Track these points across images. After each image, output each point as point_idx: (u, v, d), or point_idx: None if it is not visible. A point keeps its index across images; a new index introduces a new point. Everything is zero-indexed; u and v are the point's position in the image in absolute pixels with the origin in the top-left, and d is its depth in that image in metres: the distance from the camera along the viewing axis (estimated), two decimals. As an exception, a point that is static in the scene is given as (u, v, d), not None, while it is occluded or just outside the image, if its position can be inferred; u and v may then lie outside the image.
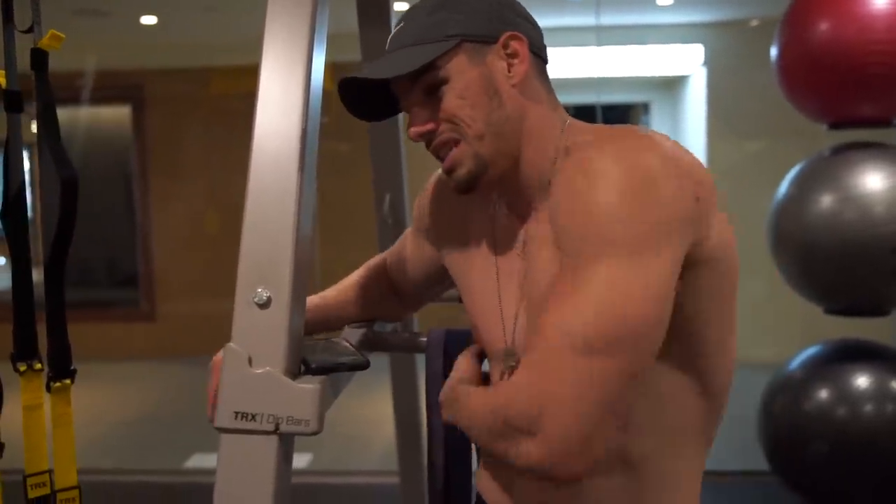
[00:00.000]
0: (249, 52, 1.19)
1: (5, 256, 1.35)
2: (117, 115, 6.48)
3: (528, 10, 1.05)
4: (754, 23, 5.28)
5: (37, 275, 1.35)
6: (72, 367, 1.36)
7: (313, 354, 1.00)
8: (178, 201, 6.14)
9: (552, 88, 1.05)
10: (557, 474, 0.86)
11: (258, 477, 0.92)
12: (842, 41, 2.57)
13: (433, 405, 1.41)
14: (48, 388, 1.34)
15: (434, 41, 0.98)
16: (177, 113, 6.13)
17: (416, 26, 1.00)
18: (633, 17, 5.32)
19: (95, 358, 4.50)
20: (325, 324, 1.32)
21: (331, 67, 1.10)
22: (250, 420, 0.92)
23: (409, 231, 1.33)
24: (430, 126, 1.01)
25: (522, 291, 1.03)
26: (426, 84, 0.99)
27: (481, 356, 1.14)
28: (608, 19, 4.92)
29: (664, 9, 5.17)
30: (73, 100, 5.68)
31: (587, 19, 4.75)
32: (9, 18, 1.32)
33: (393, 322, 1.48)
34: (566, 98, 1.18)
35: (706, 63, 5.42)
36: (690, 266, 0.90)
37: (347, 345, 1.08)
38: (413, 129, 1.02)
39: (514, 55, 0.99)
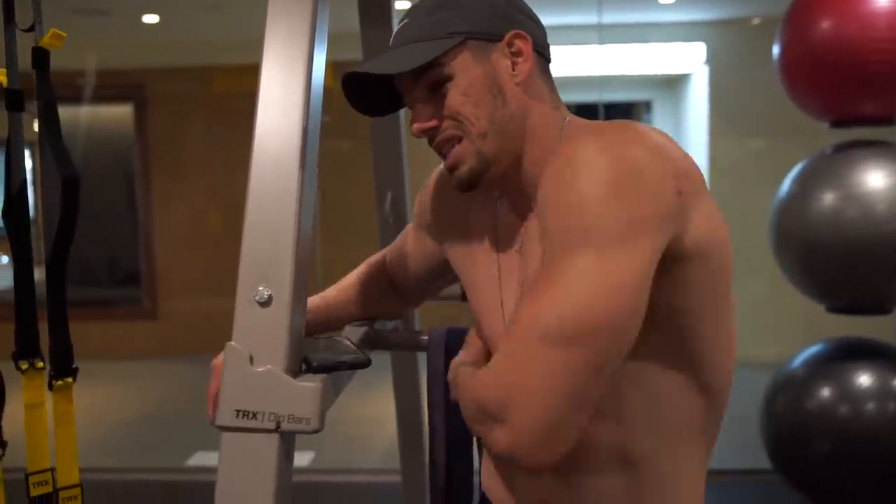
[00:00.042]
0: (251, 51, 1.18)
1: (7, 255, 1.35)
2: (119, 113, 6.48)
3: (532, 8, 1.05)
4: (756, 21, 5.28)
5: (38, 273, 1.35)
6: (74, 366, 1.36)
7: (314, 353, 1.00)
8: (180, 200, 6.14)
9: (555, 87, 1.05)
10: (525, 463, 0.87)
11: (259, 475, 0.92)
12: (844, 39, 2.56)
13: (434, 403, 1.41)
14: (50, 387, 1.35)
15: (439, 38, 0.98)
16: (178, 112, 6.14)
17: (420, 23, 1.00)
18: (636, 16, 5.32)
19: (97, 356, 4.52)
20: (327, 324, 1.32)
21: (332, 66, 1.10)
22: (251, 418, 0.92)
23: (410, 227, 1.33)
24: (433, 123, 1.01)
25: (522, 288, 1.03)
26: (430, 81, 0.99)
27: None
28: (610, 18, 4.92)
29: (666, 7, 5.17)
30: (75, 99, 5.69)
31: (589, 17, 4.75)
32: (10, 17, 1.32)
33: (393, 319, 1.48)
34: (568, 96, 1.18)
35: (708, 61, 5.41)
36: (679, 260, 0.90)
37: (349, 343, 1.08)
38: (416, 126, 1.02)
39: (518, 53, 0.99)
